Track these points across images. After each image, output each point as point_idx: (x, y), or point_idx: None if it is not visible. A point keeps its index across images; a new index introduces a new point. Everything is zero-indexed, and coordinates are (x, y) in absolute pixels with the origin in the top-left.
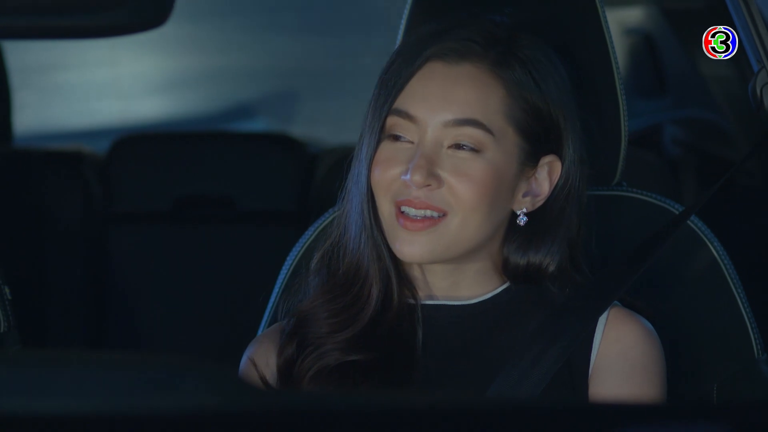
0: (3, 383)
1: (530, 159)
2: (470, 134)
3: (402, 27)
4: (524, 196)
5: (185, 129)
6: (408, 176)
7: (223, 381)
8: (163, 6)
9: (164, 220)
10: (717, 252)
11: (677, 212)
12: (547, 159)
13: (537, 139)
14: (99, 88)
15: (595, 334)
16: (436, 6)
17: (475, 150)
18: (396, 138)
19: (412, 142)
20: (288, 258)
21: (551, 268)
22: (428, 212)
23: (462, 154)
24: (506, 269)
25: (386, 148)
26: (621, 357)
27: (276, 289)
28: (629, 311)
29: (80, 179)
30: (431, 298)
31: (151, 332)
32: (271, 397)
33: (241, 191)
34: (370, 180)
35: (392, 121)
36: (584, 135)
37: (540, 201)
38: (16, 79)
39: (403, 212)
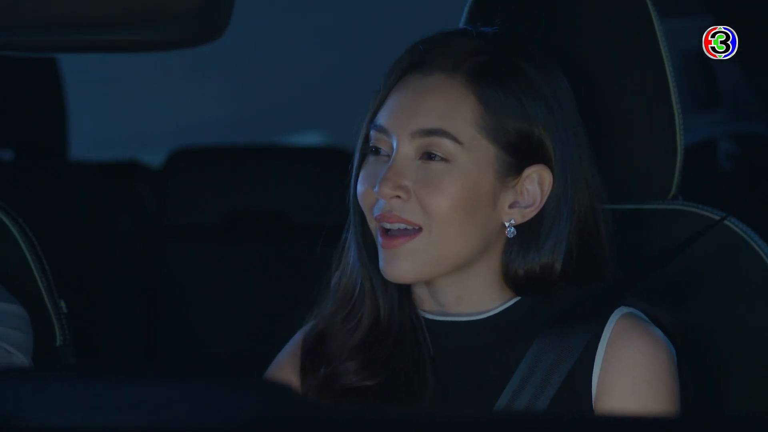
0: (58, 398)
1: (512, 169)
2: (437, 144)
3: None
4: (511, 207)
5: (240, 143)
6: (377, 188)
7: (276, 395)
8: (218, 20)
9: (218, 234)
10: (764, 253)
11: (733, 226)
12: (533, 169)
13: (517, 150)
14: (153, 101)
15: (597, 351)
16: (492, 13)
17: (445, 161)
18: (377, 152)
19: (390, 156)
20: None
21: (557, 267)
22: (403, 226)
23: (433, 165)
24: (508, 278)
25: (368, 163)
26: (623, 376)
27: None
28: (638, 321)
29: (134, 192)
30: (439, 313)
31: (205, 346)
32: (324, 411)
33: (295, 206)
34: (356, 195)
35: (373, 135)
36: (589, 150)
37: (531, 212)
38: (71, 92)
39: (385, 230)
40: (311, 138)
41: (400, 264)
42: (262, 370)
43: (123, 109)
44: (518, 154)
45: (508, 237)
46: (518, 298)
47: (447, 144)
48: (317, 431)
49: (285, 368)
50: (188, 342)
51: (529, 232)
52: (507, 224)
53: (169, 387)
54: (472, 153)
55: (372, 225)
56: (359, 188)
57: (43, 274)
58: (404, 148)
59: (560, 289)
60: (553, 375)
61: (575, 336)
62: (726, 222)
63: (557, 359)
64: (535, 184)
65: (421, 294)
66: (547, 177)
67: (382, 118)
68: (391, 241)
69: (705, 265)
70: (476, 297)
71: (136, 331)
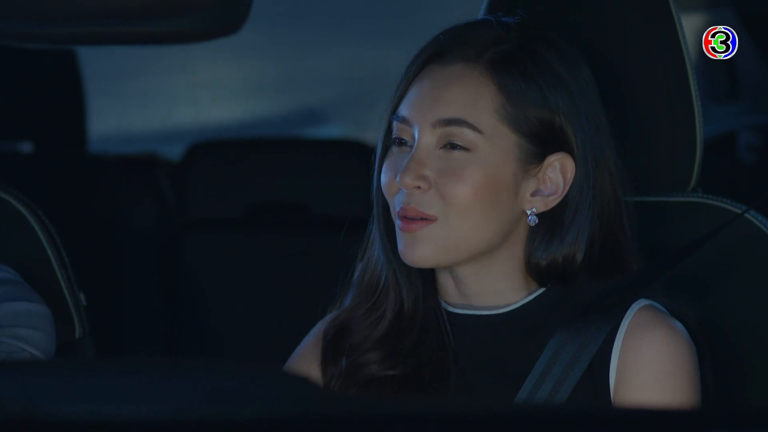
0: (77, 389)
1: (534, 157)
2: (458, 134)
3: None
4: (533, 195)
5: (259, 135)
6: (398, 179)
7: (295, 388)
8: (238, 13)
9: (238, 226)
10: None
11: (753, 219)
12: (555, 157)
13: (539, 138)
14: (174, 93)
15: (615, 344)
16: (511, 7)
17: (466, 150)
18: (401, 143)
19: (412, 146)
20: None
21: (578, 257)
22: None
23: (454, 154)
24: (530, 268)
25: (391, 154)
26: (642, 367)
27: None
28: (656, 312)
29: (154, 185)
30: (464, 306)
31: (225, 339)
32: (344, 402)
33: (315, 198)
34: (380, 186)
35: (396, 126)
36: (612, 139)
37: (554, 200)
38: (90, 85)
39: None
40: (330, 130)
41: (419, 248)
42: (284, 362)
43: (141, 103)
44: (540, 142)
45: (530, 225)
46: (542, 290)
47: (467, 133)
48: (336, 424)
49: (305, 359)
50: (208, 334)
51: (551, 221)
52: (529, 212)
53: (189, 379)
54: (494, 142)
55: (393, 212)
56: (383, 178)
57: (63, 266)
58: (425, 138)
59: (584, 281)
60: (573, 367)
61: (595, 329)
62: (746, 215)
63: (577, 352)
64: (558, 172)
65: (446, 285)
66: (570, 165)
67: (403, 109)
68: (409, 225)
69: (724, 258)
70: (500, 288)
71: (156, 323)
